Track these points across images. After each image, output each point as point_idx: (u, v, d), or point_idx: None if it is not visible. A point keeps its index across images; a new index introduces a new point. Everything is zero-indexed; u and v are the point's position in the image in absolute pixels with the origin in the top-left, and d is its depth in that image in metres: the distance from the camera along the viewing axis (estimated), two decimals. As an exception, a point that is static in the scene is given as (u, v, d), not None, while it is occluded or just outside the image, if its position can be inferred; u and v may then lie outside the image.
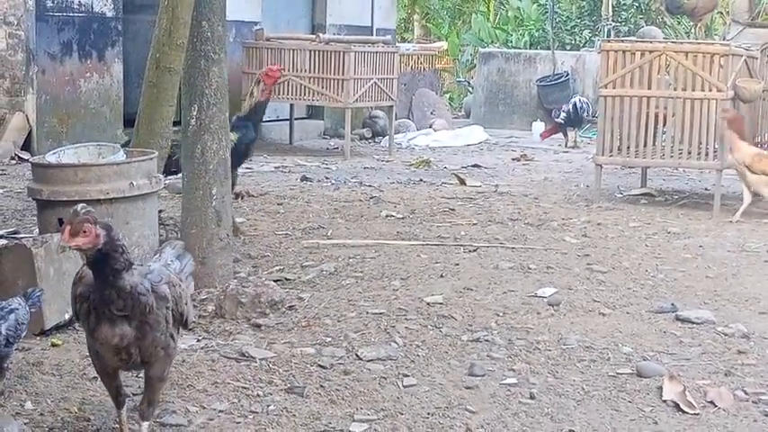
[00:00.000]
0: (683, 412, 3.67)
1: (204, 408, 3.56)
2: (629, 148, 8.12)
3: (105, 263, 2.95)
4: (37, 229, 4.97)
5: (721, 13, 18.40)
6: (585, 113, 12.94)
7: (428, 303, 4.96)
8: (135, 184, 4.54)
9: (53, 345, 4.18)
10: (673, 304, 5.01)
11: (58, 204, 4.48)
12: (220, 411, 3.54)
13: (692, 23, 16.06)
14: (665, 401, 3.75)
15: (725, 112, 7.68)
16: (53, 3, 9.77)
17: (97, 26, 10.23)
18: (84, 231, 2.91)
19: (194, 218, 5.04)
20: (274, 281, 5.14)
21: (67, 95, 9.96)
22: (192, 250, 4.99)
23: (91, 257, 2.95)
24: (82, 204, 2.97)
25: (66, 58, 9.95)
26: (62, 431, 3.36)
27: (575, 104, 12.94)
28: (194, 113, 5.03)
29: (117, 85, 10.45)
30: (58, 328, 4.31)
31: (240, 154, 6.59)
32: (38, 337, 4.22)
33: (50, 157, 4.84)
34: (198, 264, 4.97)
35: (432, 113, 14.60)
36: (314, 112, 13.69)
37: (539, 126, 13.99)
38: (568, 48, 17.97)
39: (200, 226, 5.02)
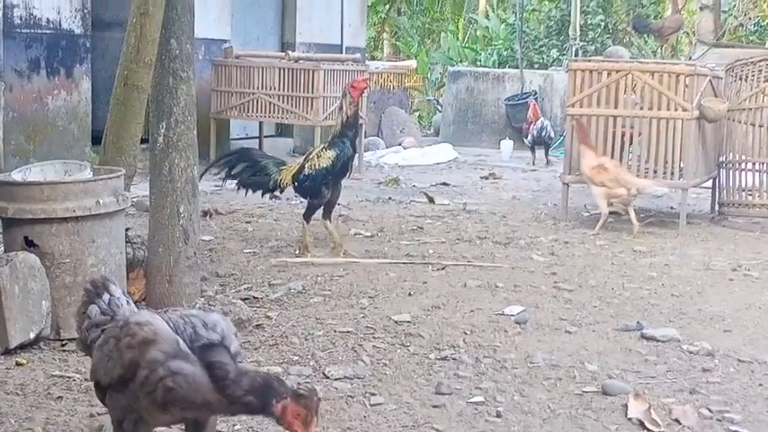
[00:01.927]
0: (648, 430, 3.69)
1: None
2: (595, 166, 8.17)
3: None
4: (2, 248, 4.93)
5: (687, 33, 18.62)
6: (548, 136, 13.06)
7: (396, 322, 4.97)
8: (101, 201, 4.52)
9: (17, 364, 4.15)
10: (638, 322, 5.04)
11: (24, 222, 4.45)
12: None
13: (658, 43, 16.23)
14: (630, 420, 3.77)
15: (574, 120, 7.89)
16: (21, 20, 9.72)
17: (65, 43, 10.19)
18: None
19: (161, 236, 5.02)
20: (242, 299, 5.13)
21: (35, 113, 9.90)
22: (158, 268, 4.99)
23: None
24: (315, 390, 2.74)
25: (34, 75, 9.89)
26: (26, 451, 3.34)
27: (539, 128, 13.06)
28: (162, 131, 5.01)
29: (85, 102, 10.40)
30: (23, 347, 4.27)
31: (337, 172, 6.61)
32: (2, 356, 4.18)
33: (16, 175, 4.81)
34: (165, 282, 4.96)
35: (401, 132, 14.65)
36: (283, 130, 13.68)
37: (507, 144, 14.07)
38: (536, 67, 18.12)
39: (166, 244, 4.99)
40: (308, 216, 6.68)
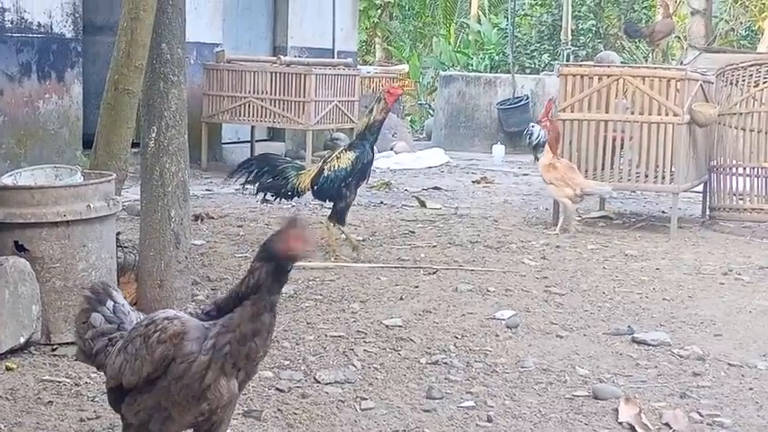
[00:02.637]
0: (639, 434, 3.70)
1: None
2: (587, 171, 8.19)
3: (283, 275, 2.75)
4: (-8, 252, 4.91)
5: (679, 38, 18.67)
6: (535, 139, 13.11)
7: (387, 326, 4.97)
8: (92, 206, 4.51)
9: (7, 369, 4.14)
10: (629, 326, 5.05)
11: (14, 227, 4.44)
12: (177, 435, 3.51)
13: (649, 48, 16.26)
14: (620, 424, 3.77)
15: (547, 120, 8.14)
16: (12, 23, 9.71)
17: (57, 47, 10.18)
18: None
19: (152, 240, 5.01)
20: (233, 304, 5.11)
21: (26, 116, 9.89)
22: (149, 273, 4.99)
23: (282, 269, 2.73)
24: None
25: (25, 79, 9.88)
26: (15, 456, 3.33)
27: (528, 133, 13.13)
28: (153, 135, 5.01)
29: (76, 106, 10.39)
30: (13, 351, 4.26)
31: (357, 174, 6.65)
32: (-8, 361, 4.18)
33: (7, 179, 4.80)
34: (156, 287, 4.96)
35: (393, 136, 14.65)
36: (275, 134, 13.68)
37: (499, 149, 14.10)
38: (528, 71, 18.17)
39: (158, 248, 4.99)
40: (341, 220, 6.75)
